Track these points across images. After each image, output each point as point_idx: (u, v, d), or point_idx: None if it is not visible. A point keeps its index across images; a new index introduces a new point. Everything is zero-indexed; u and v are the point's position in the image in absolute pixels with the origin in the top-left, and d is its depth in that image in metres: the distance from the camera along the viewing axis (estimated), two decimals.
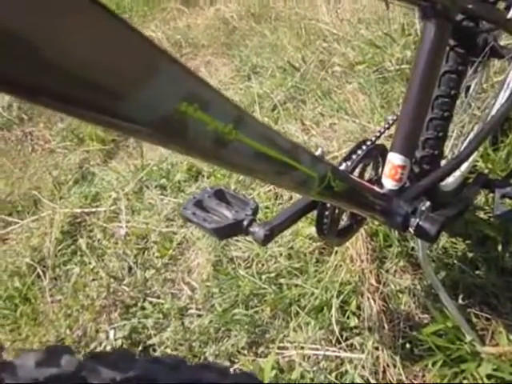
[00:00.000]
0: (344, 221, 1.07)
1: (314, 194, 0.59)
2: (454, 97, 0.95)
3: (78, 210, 1.89)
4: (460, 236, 1.24)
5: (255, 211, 0.89)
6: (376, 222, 1.26)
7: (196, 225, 0.87)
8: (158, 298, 1.43)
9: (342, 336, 1.15)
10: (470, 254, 1.19)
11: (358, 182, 0.81)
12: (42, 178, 2.16)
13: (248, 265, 1.42)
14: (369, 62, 2.00)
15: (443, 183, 1.32)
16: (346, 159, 0.91)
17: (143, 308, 1.40)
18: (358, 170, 0.94)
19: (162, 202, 1.77)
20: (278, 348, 1.17)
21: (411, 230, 0.92)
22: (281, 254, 1.40)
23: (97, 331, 1.37)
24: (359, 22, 2.28)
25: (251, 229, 0.84)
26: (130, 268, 1.58)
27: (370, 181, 0.97)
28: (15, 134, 2.66)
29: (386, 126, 1.00)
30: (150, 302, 1.41)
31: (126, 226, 1.70)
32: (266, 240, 0.83)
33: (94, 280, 1.57)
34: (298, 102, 2.02)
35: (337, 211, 0.94)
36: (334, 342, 1.14)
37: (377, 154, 0.94)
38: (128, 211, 1.76)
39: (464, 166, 1.42)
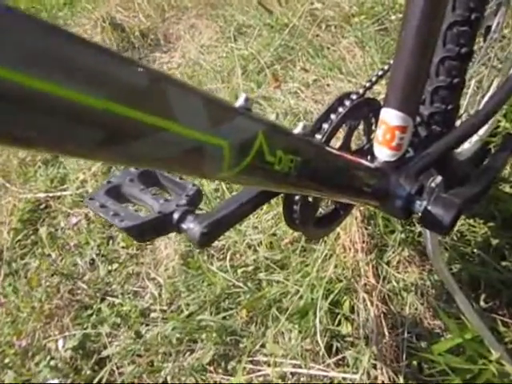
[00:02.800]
0: (324, 206, 0.79)
1: (230, 177, 0.31)
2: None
3: (42, 195, 1.63)
4: (480, 217, 0.95)
5: (193, 200, 0.62)
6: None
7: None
8: (120, 296, 1.17)
9: (330, 348, 0.89)
10: (494, 241, 0.90)
11: (334, 153, 0.53)
12: (7, 161, 1.91)
13: (222, 256, 1.16)
14: (367, 13, 1.68)
15: (457, 150, 1.02)
16: (321, 121, 0.62)
17: (99, 311, 1.15)
18: (344, 137, 0.66)
19: None
20: (252, 363, 0.92)
21: (417, 216, 0.64)
22: (260, 243, 1.13)
23: (46, 339, 1.13)
24: None
25: (184, 225, 0.57)
26: (93, 260, 1.34)
27: (357, 152, 0.69)
28: None
29: (380, 73, 0.71)
30: (108, 304, 1.16)
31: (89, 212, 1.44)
32: (202, 240, 0.57)
33: (52, 275, 1.32)
34: (287, 63, 1.71)
35: None
36: (321, 355, 0.88)
37: (366, 113, 0.66)
38: None
39: (483, 129, 1.12)
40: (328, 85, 1.51)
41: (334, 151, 0.52)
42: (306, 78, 1.57)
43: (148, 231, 0.57)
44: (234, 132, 0.29)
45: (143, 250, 1.30)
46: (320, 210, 0.70)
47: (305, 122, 0.42)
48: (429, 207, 0.61)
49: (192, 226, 0.56)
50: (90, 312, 1.15)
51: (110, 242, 1.36)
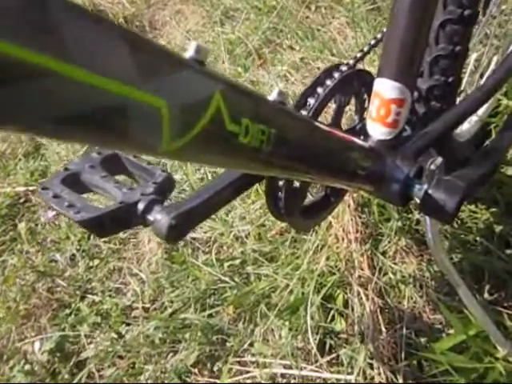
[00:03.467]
0: (314, 192, 0.72)
1: (176, 152, 0.23)
2: None
3: (22, 189, 1.55)
4: (482, 202, 0.88)
5: (162, 188, 0.54)
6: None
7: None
8: (100, 294, 1.09)
9: (323, 347, 0.82)
10: (498, 228, 0.83)
11: (321, 127, 0.45)
12: None
13: (208, 249, 1.08)
14: None
15: (457, 132, 0.95)
16: (306, 95, 0.55)
17: (79, 310, 1.07)
18: (333, 116, 0.58)
19: None
20: (239, 364, 0.85)
21: (416, 202, 0.57)
22: (248, 235, 1.05)
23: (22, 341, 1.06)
24: None
25: (150, 216, 0.50)
26: (74, 256, 1.26)
27: (348, 132, 0.61)
28: None
29: (373, 42, 0.62)
30: (88, 303, 1.08)
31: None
32: (171, 234, 0.49)
33: (30, 273, 1.24)
34: (276, 46, 1.63)
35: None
36: (313, 354, 0.81)
37: (357, 86, 0.58)
38: None
39: (482, 108, 1.05)
40: (318, 67, 1.43)
41: (321, 125, 0.44)
42: (295, 61, 1.49)
43: (109, 224, 0.49)
44: (176, 89, 0.21)
45: (126, 243, 1.23)
46: (309, 197, 0.63)
47: (281, 89, 0.34)
48: (430, 191, 0.53)
49: (159, 217, 0.48)
50: (68, 311, 1.07)
51: (92, 236, 1.28)
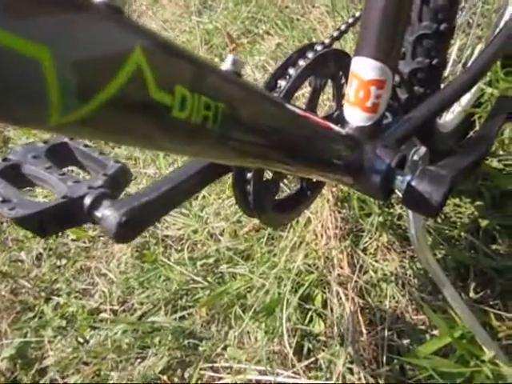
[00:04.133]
0: (289, 185, 0.66)
1: (72, 124, 0.17)
2: None
3: None
4: (466, 195, 0.83)
5: (114, 180, 0.48)
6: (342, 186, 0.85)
7: None
8: (66, 296, 1.02)
9: (301, 350, 0.76)
10: (483, 222, 0.78)
11: (289, 108, 0.39)
12: None
13: (181, 247, 1.02)
14: None
15: (440, 122, 0.90)
16: (276, 77, 0.48)
17: (43, 312, 1.00)
18: (308, 101, 0.53)
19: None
20: (212, 369, 0.79)
21: (398, 195, 0.52)
22: (223, 231, 0.99)
23: None
24: None
25: (98, 212, 0.43)
26: (41, 254, 1.18)
27: (326, 118, 0.56)
28: None
29: (350, 20, 0.57)
30: (53, 306, 1.00)
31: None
32: (121, 233, 0.43)
33: None
34: (254, 36, 1.56)
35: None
36: (290, 359, 0.75)
37: (334, 68, 0.52)
38: None
39: (466, 98, 1.00)
40: None
41: (289, 105, 0.38)
42: (274, 51, 1.43)
43: (49, 222, 0.43)
44: (68, 36, 0.15)
45: (95, 242, 1.15)
46: (283, 190, 0.57)
47: (235, 56, 0.28)
48: (413, 183, 0.48)
49: (108, 213, 0.42)
50: (32, 314, 1.00)
51: (60, 234, 1.21)
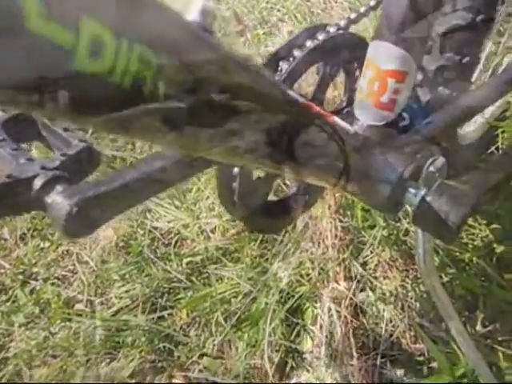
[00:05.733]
0: (287, 187, 0.59)
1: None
2: None
3: None
4: (482, 216, 0.74)
5: (74, 161, 0.40)
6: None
7: None
8: (42, 281, 0.95)
9: (284, 368, 0.69)
10: (499, 248, 0.70)
11: (281, 88, 0.31)
12: None
13: (169, 241, 0.94)
14: None
15: (460, 133, 0.82)
16: (277, 57, 0.40)
17: (16, 297, 0.93)
18: (314, 92, 0.45)
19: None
20: (184, 379, 0.71)
21: (408, 210, 0.44)
22: (214, 229, 0.92)
23: None
24: None
25: (48, 198, 0.35)
26: (24, 234, 1.11)
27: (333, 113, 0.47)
28: None
29: (372, 3, 0.48)
30: (28, 290, 0.94)
31: None
32: (70, 224, 0.35)
33: None
34: (271, 27, 1.48)
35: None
36: (270, 377, 0.68)
37: (347, 55, 0.44)
38: None
39: (490, 110, 0.91)
40: None
41: (282, 85, 0.30)
42: None
43: None
44: None
45: None
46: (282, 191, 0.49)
47: (206, 2, 0.20)
48: (428, 198, 0.39)
49: (58, 200, 0.34)
50: (5, 298, 0.93)
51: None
